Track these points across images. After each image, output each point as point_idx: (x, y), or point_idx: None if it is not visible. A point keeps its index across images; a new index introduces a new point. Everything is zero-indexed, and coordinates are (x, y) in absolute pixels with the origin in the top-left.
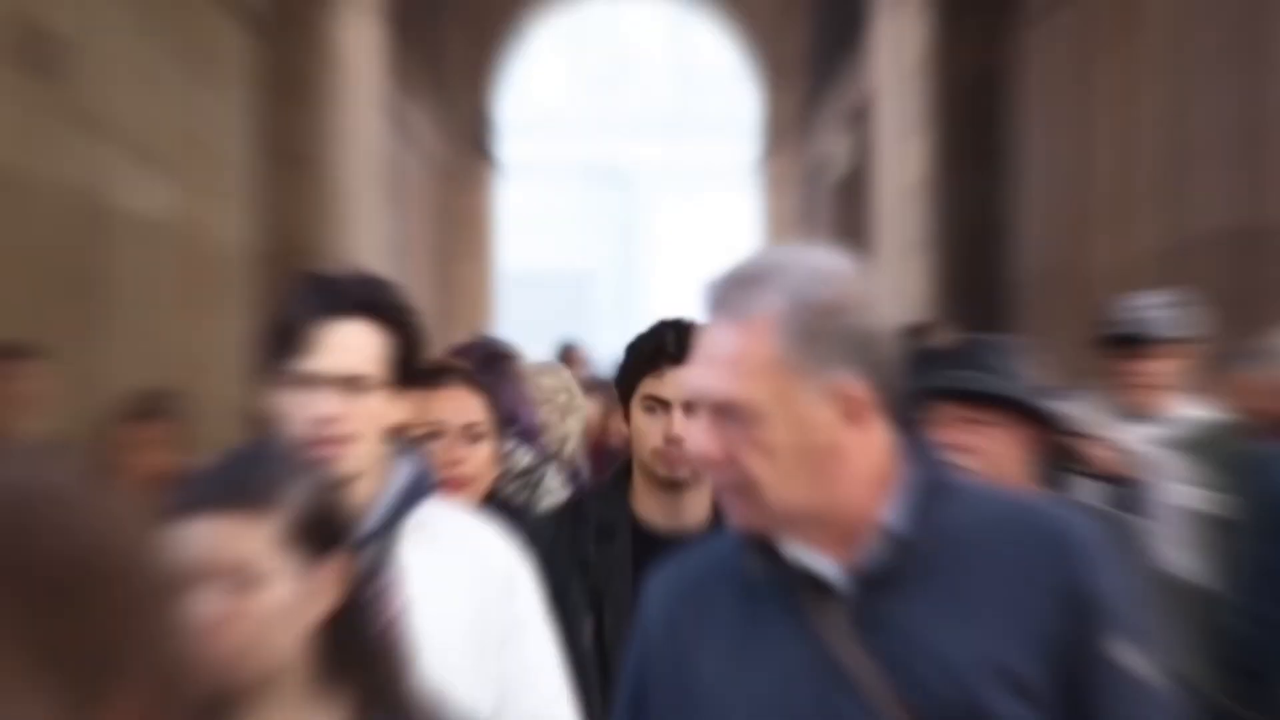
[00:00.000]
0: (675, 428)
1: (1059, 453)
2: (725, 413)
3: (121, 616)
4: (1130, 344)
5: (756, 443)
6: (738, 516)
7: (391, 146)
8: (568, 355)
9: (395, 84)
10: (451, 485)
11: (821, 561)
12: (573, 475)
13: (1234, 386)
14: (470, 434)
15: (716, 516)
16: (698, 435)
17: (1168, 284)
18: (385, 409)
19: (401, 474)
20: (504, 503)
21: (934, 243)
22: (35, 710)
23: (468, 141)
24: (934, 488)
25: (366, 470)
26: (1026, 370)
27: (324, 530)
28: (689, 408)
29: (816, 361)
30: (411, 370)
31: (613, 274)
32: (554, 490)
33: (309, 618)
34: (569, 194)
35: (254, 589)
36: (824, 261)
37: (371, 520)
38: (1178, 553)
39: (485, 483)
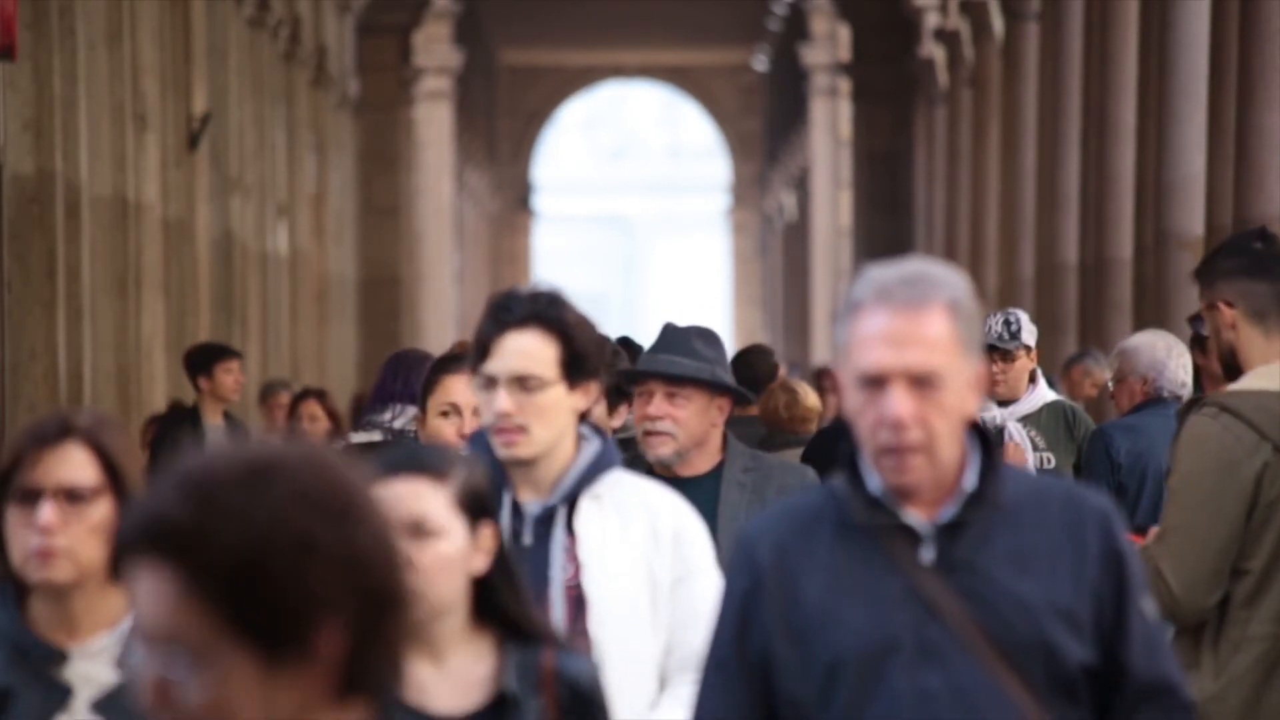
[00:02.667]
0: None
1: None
2: (921, 382)
3: (313, 578)
4: (989, 351)
5: (939, 405)
6: (910, 475)
7: (456, 201)
8: None
9: (459, 155)
10: None
11: (910, 514)
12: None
13: (1074, 379)
14: (479, 413)
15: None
16: (898, 401)
17: (1040, 302)
18: (558, 401)
19: (586, 453)
20: None
21: (857, 272)
22: (234, 661)
23: (513, 198)
24: (991, 461)
25: (545, 453)
26: (718, 353)
27: (481, 502)
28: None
29: (972, 342)
30: (582, 367)
31: (619, 296)
32: None
33: (471, 569)
34: (587, 236)
35: (432, 539)
36: (950, 268)
37: (555, 493)
38: None
39: None
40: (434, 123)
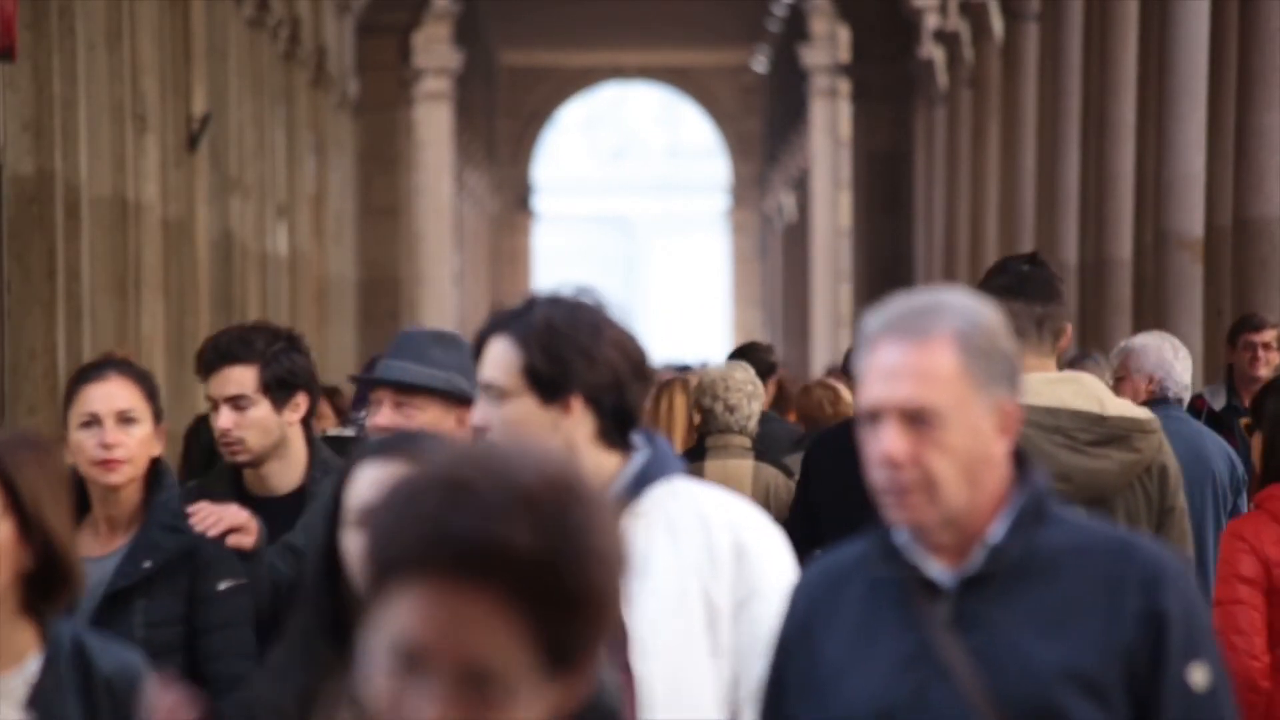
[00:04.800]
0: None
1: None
2: (913, 418)
3: (615, 610)
4: None
5: (939, 444)
6: (909, 515)
7: (456, 202)
8: None
9: (459, 155)
10: (108, 467)
11: (934, 565)
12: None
13: None
14: (123, 419)
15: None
16: (889, 438)
17: None
18: (526, 414)
19: (631, 466)
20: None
21: (857, 272)
22: (539, 689)
23: (513, 198)
24: (1036, 509)
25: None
26: (458, 358)
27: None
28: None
29: (986, 377)
30: (548, 381)
31: (620, 296)
32: None
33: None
34: (587, 237)
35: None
36: (975, 298)
37: None
38: None
39: (142, 462)
40: (434, 123)
